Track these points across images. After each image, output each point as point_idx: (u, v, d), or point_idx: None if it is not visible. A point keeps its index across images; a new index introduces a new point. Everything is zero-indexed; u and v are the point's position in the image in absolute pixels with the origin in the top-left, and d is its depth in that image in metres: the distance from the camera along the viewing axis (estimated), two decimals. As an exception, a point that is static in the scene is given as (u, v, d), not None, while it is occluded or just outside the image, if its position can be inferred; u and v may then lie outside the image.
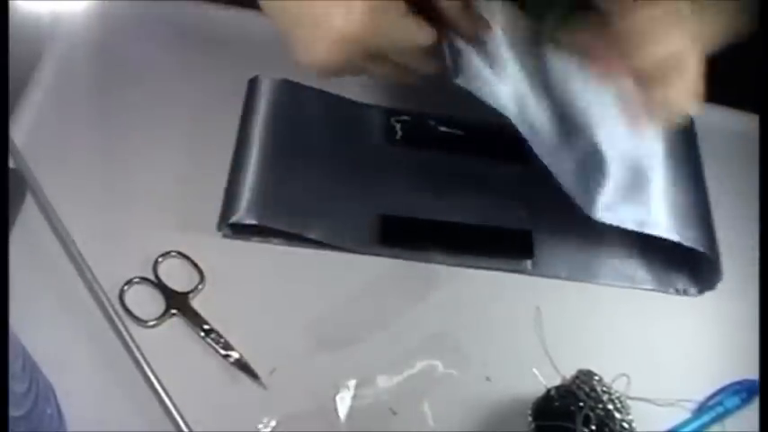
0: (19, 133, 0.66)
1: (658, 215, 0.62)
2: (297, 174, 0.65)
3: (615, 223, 0.61)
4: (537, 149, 0.60)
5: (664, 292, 0.65)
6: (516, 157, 0.66)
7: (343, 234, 0.64)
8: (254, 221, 0.62)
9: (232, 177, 0.64)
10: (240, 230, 0.63)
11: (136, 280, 0.60)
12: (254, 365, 0.57)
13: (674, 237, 0.61)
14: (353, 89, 0.70)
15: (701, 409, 0.59)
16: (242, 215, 0.61)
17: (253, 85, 0.69)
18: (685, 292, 0.65)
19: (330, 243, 0.63)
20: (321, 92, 0.69)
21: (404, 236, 0.65)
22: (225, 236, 0.62)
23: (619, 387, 0.53)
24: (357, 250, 0.64)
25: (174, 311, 0.59)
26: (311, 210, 0.64)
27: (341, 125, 0.69)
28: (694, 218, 0.63)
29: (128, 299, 0.59)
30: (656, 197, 0.62)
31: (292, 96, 0.68)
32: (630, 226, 0.61)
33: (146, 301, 0.59)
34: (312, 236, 0.63)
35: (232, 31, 0.74)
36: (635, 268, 0.65)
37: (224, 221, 0.62)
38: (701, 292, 0.65)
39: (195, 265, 0.61)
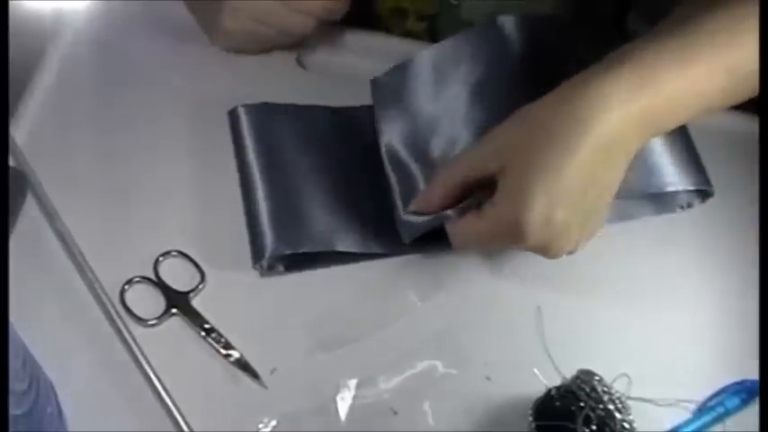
0: (20, 132, 0.66)
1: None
2: (306, 193, 0.64)
3: None
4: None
5: (671, 212, 0.67)
6: None
7: (371, 240, 0.63)
8: (286, 251, 0.60)
9: (247, 212, 0.63)
10: (273, 264, 0.61)
11: (136, 279, 0.60)
12: (254, 365, 0.57)
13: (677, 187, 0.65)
14: (340, 95, 0.70)
15: (702, 409, 0.58)
16: (273, 248, 0.60)
17: (233, 116, 0.67)
18: (689, 206, 0.67)
19: (364, 252, 0.62)
20: (301, 106, 0.68)
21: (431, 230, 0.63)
22: (262, 275, 0.61)
23: (619, 387, 0.53)
24: (391, 253, 0.63)
25: (174, 311, 0.59)
26: (333, 224, 0.62)
27: (333, 133, 0.68)
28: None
29: (128, 298, 0.59)
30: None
31: (275, 118, 0.67)
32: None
33: (146, 301, 0.59)
34: (344, 248, 0.61)
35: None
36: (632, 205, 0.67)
37: (257, 260, 0.61)
38: (702, 200, 0.67)
39: (196, 265, 0.61)
